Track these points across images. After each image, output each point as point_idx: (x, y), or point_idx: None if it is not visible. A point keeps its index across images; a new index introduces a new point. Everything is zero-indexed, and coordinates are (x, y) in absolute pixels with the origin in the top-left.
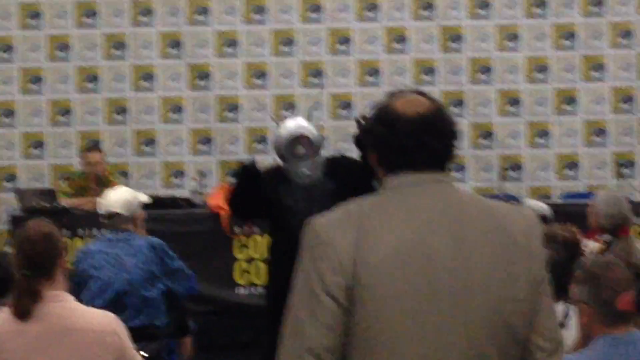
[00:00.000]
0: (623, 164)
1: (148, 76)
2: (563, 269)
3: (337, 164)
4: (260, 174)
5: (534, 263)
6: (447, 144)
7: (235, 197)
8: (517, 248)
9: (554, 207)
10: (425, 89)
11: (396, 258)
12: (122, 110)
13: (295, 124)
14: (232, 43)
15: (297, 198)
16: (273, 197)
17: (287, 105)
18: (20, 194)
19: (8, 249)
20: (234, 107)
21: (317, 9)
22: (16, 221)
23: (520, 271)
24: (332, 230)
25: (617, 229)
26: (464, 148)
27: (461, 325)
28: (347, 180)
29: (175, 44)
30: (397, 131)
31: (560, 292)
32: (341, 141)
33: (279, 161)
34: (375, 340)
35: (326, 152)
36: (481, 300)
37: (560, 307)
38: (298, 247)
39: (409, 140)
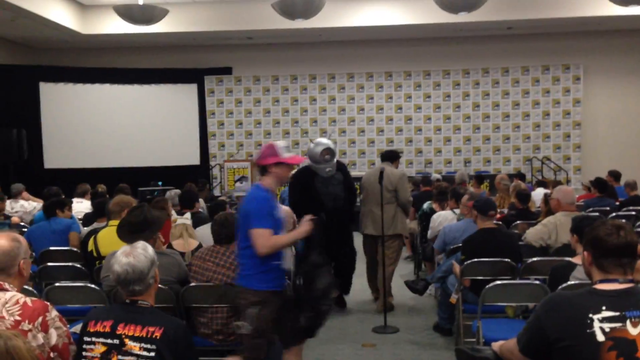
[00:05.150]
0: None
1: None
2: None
3: (343, 166)
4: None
5: (396, 183)
6: (392, 157)
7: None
8: (393, 179)
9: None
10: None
11: (368, 180)
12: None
13: (325, 142)
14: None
15: (323, 184)
16: (307, 184)
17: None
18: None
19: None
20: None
21: (362, 110)
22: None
23: (389, 184)
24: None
25: (424, 184)
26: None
27: (379, 190)
28: (346, 174)
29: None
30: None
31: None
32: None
33: (312, 163)
34: (365, 197)
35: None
36: (383, 188)
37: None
38: (320, 209)
39: (383, 156)
